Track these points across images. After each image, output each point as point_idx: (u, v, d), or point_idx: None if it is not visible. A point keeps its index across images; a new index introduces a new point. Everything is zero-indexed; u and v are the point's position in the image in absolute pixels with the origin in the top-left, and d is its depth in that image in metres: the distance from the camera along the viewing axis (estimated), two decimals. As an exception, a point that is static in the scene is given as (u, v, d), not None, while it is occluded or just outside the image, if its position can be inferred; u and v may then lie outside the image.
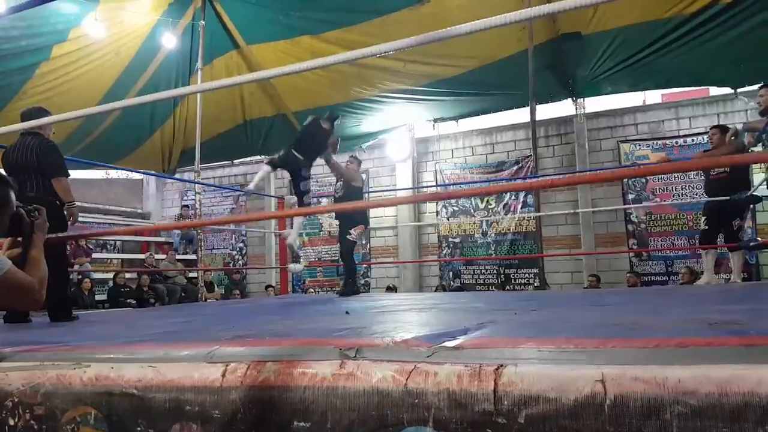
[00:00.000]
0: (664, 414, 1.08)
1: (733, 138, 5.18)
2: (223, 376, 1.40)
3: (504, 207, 10.03)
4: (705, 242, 5.70)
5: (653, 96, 10.61)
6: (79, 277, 8.55)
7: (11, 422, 1.57)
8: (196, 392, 1.39)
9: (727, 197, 5.25)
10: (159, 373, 1.46)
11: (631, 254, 9.20)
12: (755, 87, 5.64)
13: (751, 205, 7.48)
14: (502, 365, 1.21)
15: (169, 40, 8.04)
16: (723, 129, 5.67)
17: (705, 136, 8.66)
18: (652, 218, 9.14)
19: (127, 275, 9.39)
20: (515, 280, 9.83)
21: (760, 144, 4.82)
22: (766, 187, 4.95)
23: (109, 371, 1.52)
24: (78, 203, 3.98)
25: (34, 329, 3.15)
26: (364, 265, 10.94)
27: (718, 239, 5.78)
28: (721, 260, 7.22)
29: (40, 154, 3.78)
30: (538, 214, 7.76)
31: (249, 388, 1.36)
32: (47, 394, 1.55)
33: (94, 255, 10.02)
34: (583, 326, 1.95)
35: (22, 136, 3.91)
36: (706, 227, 5.68)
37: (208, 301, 8.18)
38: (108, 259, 10.97)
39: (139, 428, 1.43)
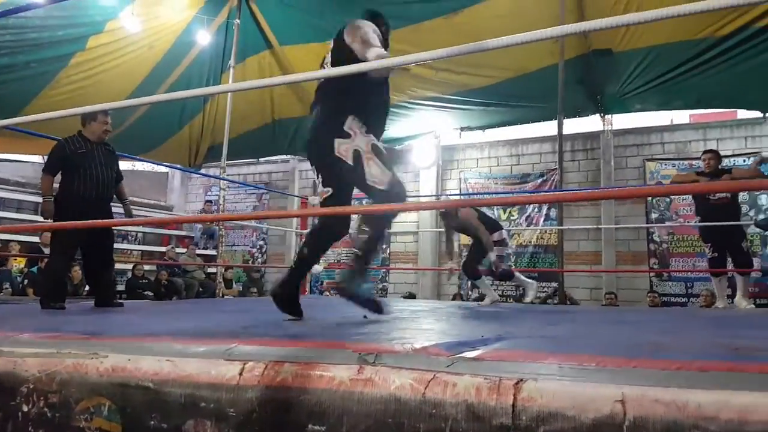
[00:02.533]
0: (683, 438, 1.06)
1: (758, 165, 5.16)
2: (241, 374, 1.40)
3: (526, 219, 9.96)
4: (715, 268, 5.64)
5: (681, 116, 10.47)
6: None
7: (25, 408, 1.58)
8: (213, 389, 1.40)
9: (734, 222, 5.37)
10: (176, 367, 1.47)
11: (652, 274, 9.08)
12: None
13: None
14: (522, 379, 1.20)
15: (204, 37, 8.14)
16: (718, 154, 5.81)
17: (733, 159, 8.55)
18: (675, 238, 9.01)
19: (146, 267, 9.50)
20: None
21: None
22: None
23: (126, 363, 1.53)
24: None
25: (56, 316, 3.20)
26: (382, 270, 10.96)
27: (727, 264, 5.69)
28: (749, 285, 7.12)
29: None
30: (560, 227, 7.68)
31: (266, 388, 1.36)
32: (63, 383, 1.56)
33: (115, 245, 10.15)
34: (604, 344, 1.92)
35: None
36: (716, 254, 5.60)
37: (226, 297, 8.24)
38: (128, 250, 11.13)
39: (152, 422, 1.43)
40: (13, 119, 2.70)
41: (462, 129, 10.00)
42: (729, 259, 5.62)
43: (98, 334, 1.94)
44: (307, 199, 7.09)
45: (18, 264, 8.21)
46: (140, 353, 1.58)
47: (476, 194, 10.30)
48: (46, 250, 7.77)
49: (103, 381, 1.53)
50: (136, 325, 2.58)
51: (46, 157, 4.27)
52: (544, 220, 9.73)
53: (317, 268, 7.89)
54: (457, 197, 10.62)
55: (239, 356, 1.47)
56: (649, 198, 9.21)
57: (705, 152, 5.88)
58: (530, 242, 9.89)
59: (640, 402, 1.11)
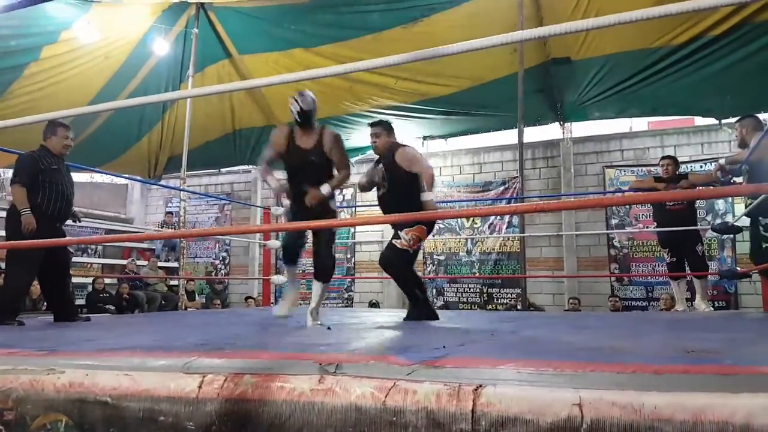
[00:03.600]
0: (639, 440, 1.09)
1: (719, 173, 5.26)
2: (200, 387, 1.38)
3: (489, 226, 10.08)
4: (674, 272, 5.79)
5: (639, 123, 10.76)
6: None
7: (-21, 427, 1.54)
8: (171, 403, 1.37)
9: (688, 227, 5.47)
10: (134, 381, 1.44)
11: (613, 278, 9.28)
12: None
13: (733, 235, 7.72)
14: (481, 385, 1.22)
15: (161, 47, 8.02)
16: (676, 160, 5.94)
17: (690, 165, 8.84)
18: (635, 243, 9.24)
19: (107, 280, 9.26)
20: (498, 300, 9.85)
21: (741, 176, 4.94)
22: (746, 216, 5.04)
23: (83, 378, 1.50)
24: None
25: (12, 332, 3.09)
26: (348, 279, 10.92)
27: (685, 268, 5.84)
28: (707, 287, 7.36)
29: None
30: (522, 235, 7.81)
31: (225, 401, 1.34)
32: (18, 399, 1.52)
33: (75, 259, 9.88)
34: (563, 349, 1.96)
35: None
36: (674, 259, 5.75)
37: (189, 310, 8.08)
38: (88, 263, 10.82)
39: (110, 438, 1.40)
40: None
41: (425, 138, 10.09)
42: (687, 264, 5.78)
43: (55, 350, 1.89)
44: (269, 209, 6.99)
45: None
46: (98, 368, 1.54)
47: (440, 202, 10.36)
48: (2, 264, 7.51)
49: (60, 397, 1.49)
50: (95, 340, 2.52)
51: (13, 170, 4.02)
52: (506, 227, 9.87)
53: (281, 279, 7.79)
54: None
55: (198, 369, 1.45)
56: (608, 204, 9.43)
57: (663, 158, 6.00)
58: (493, 249, 10.00)
59: (597, 405, 1.13)
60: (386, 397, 1.26)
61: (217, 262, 12.35)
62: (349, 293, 11.07)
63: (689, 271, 5.70)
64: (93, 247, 10.88)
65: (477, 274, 9.98)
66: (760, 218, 4.51)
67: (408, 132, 9.90)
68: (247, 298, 10.99)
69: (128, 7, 7.46)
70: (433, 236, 10.46)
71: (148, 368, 1.50)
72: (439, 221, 10.46)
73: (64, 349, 1.98)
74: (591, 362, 1.40)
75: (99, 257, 11.16)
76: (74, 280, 9.00)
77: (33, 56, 7.18)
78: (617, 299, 8.76)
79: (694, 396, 1.11)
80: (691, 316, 4.69)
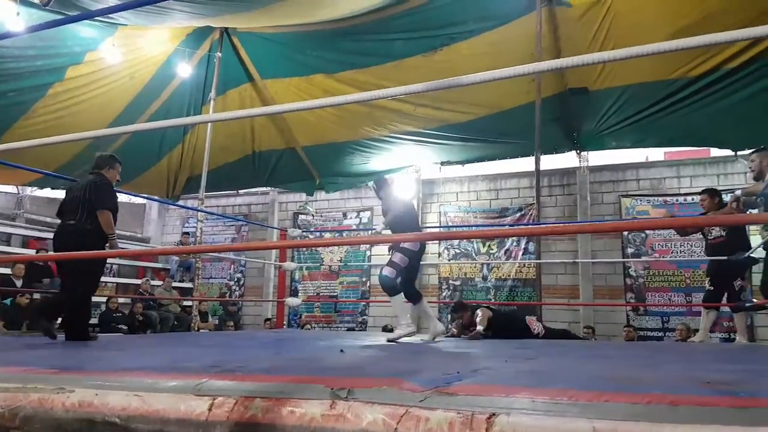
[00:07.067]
0: (655, 475, 1.06)
1: (734, 205, 5.17)
2: (210, 410, 1.37)
3: (505, 252, 10.03)
4: (709, 302, 5.68)
5: (656, 153, 10.71)
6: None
7: (-14, 444, 1.54)
8: (181, 425, 1.37)
9: (725, 257, 5.32)
10: (144, 402, 1.44)
11: (628, 308, 9.16)
12: (754, 150, 5.71)
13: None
14: (494, 414, 1.20)
15: (185, 70, 8.18)
16: (713, 193, 5.79)
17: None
18: (650, 273, 9.13)
19: (120, 300, 9.32)
20: (512, 327, 9.73)
21: (756, 208, 4.88)
22: (763, 248, 4.95)
23: (93, 398, 1.49)
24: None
25: (26, 350, 3.11)
26: (362, 303, 10.90)
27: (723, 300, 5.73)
28: (719, 320, 7.22)
29: (94, 189, 4.24)
30: (538, 261, 7.74)
31: (235, 424, 1.33)
32: (26, 419, 1.51)
33: (91, 277, 9.97)
34: (577, 378, 1.93)
35: (89, 175, 4.44)
36: (712, 288, 5.66)
37: (201, 331, 8.09)
38: (102, 282, 10.91)
39: (119, 458, 1.40)
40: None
41: (442, 163, 10.11)
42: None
43: (67, 369, 1.89)
44: (286, 231, 7.03)
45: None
46: (108, 388, 1.54)
47: (456, 227, 10.36)
48: (18, 283, 7.61)
49: (69, 417, 1.48)
50: (107, 359, 2.52)
51: (98, 195, 4.22)
52: (522, 254, 9.81)
53: (295, 301, 7.81)
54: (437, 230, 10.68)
55: (209, 391, 1.44)
56: (625, 233, 9.34)
57: (703, 191, 5.91)
58: (509, 276, 9.94)
59: (611, 436, 1.11)
60: (398, 424, 1.25)
61: (232, 283, 12.39)
62: (363, 317, 11.02)
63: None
64: (108, 266, 10.97)
65: (492, 300, 9.89)
66: None
67: (425, 157, 9.94)
68: (266, 320, 10.99)
69: (153, 31, 7.63)
70: (449, 261, 10.44)
71: (158, 389, 1.49)
72: (456, 246, 10.42)
73: (76, 367, 1.98)
74: (606, 392, 1.38)
75: (113, 276, 11.25)
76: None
77: (58, 76, 7.32)
78: (632, 329, 8.64)
79: (710, 429, 1.08)
80: (708, 348, 4.60)
